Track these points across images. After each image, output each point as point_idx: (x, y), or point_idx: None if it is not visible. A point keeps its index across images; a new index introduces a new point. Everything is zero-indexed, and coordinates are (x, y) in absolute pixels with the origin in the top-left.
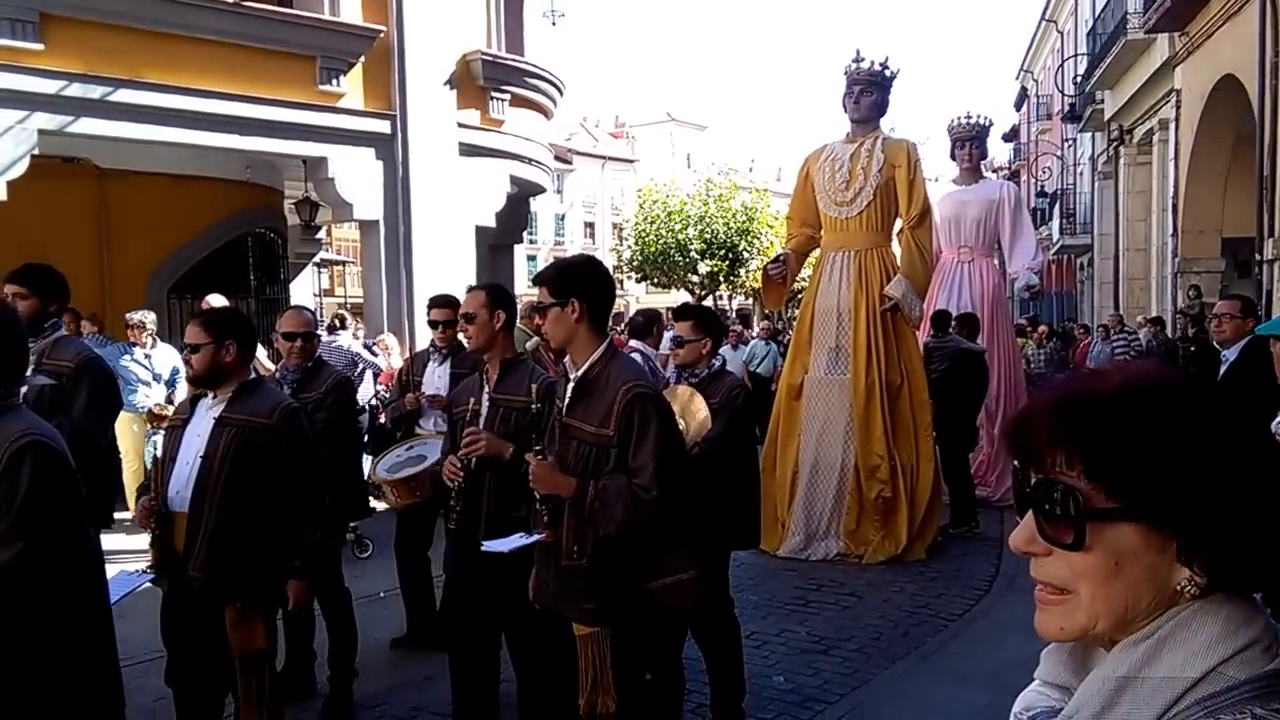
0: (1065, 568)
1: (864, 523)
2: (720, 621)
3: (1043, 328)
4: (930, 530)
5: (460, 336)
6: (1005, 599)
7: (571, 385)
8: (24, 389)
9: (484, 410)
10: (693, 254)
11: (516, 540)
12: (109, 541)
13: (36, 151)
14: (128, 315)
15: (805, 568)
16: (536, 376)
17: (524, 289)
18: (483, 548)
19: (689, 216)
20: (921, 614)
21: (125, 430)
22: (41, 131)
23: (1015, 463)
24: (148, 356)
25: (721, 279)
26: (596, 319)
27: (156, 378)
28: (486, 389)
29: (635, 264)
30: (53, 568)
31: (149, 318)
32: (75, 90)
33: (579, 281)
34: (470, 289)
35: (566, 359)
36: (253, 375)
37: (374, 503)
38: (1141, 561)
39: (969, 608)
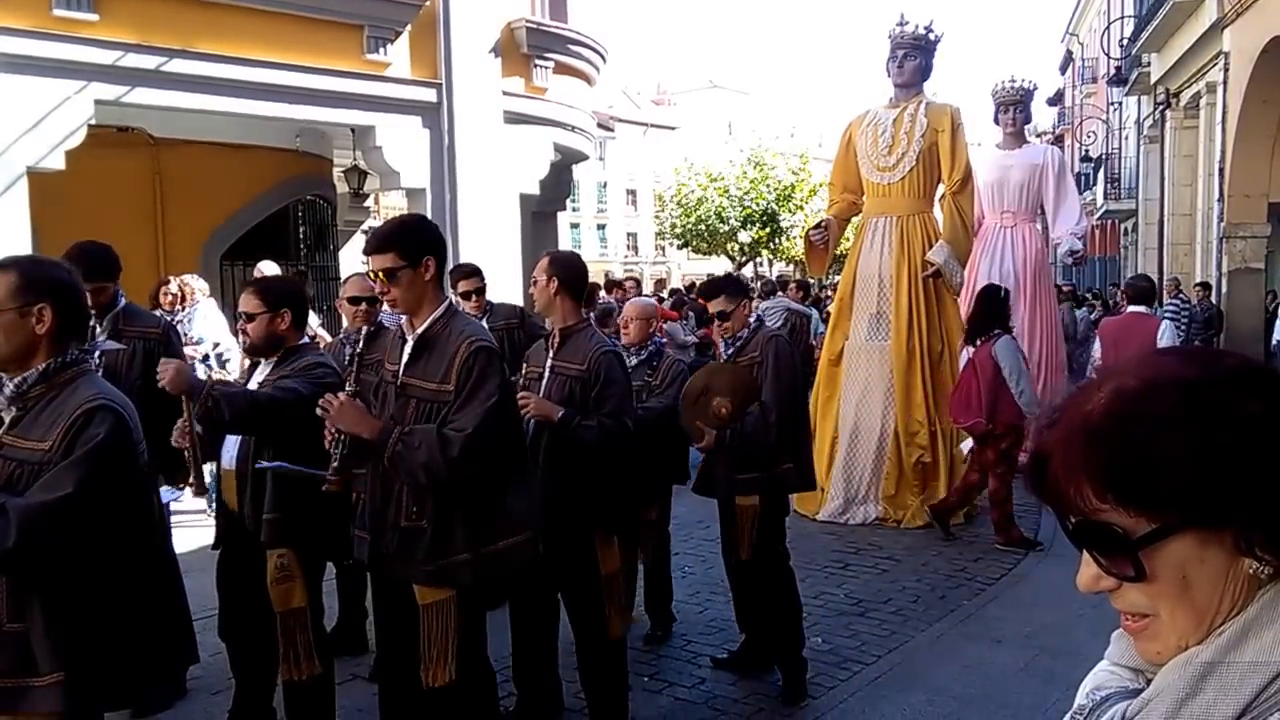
0: (1140, 595)
1: (903, 488)
2: (777, 572)
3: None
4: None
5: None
6: (1042, 564)
7: (411, 343)
8: (96, 354)
9: (545, 375)
10: (732, 223)
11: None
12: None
13: (93, 121)
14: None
15: (844, 531)
16: (595, 344)
17: None
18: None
19: (727, 189)
20: (959, 578)
21: None
22: (98, 101)
23: (1049, 507)
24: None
25: (762, 247)
26: (441, 275)
27: (198, 340)
28: (550, 355)
29: (677, 231)
30: (101, 523)
31: (189, 284)
32: (130, 60)
33: (429, 239)
34: (543, 255)
35: (403, 320)
36: (304, 342)
37: None
38: (1208, 565)
39: (1006, 572)
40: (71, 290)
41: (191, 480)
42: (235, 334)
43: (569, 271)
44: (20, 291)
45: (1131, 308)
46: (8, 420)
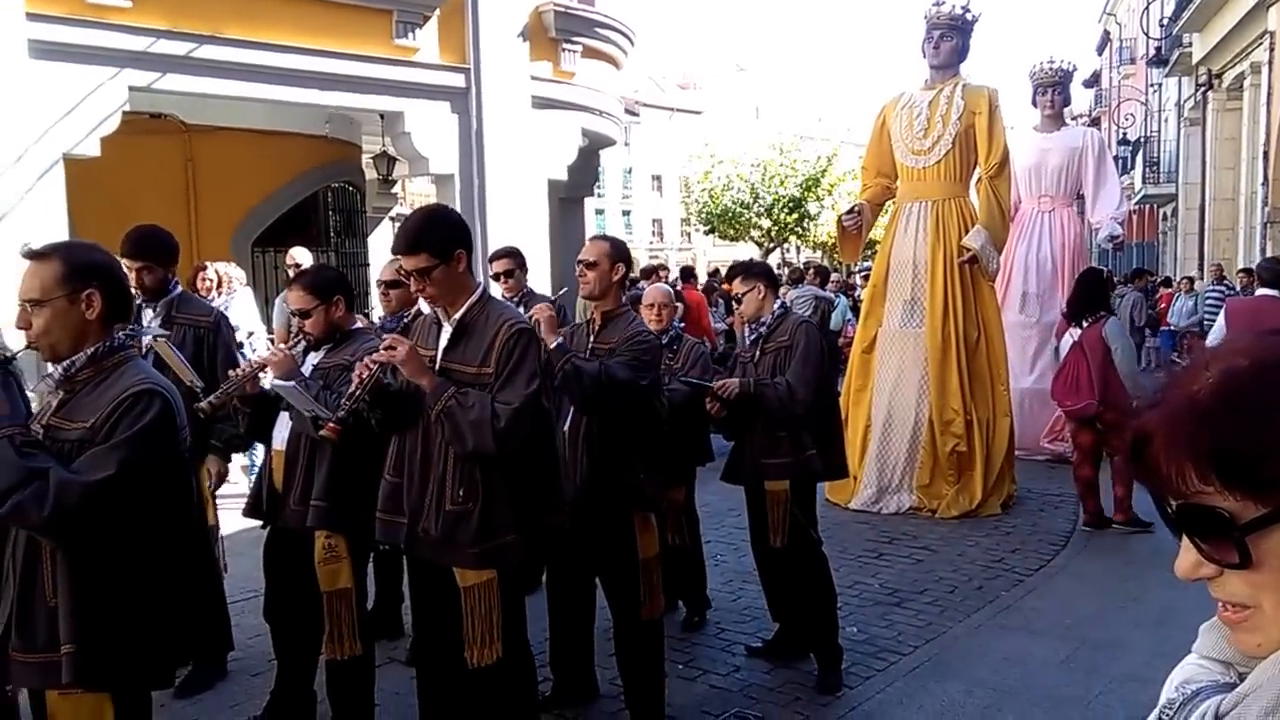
0: (1242, 584)
1: (937, 477)
2: (809, 559)
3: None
4: (1005, 485)
5: (580, 282)
6: (1082, 555)
7: (450, 328)
8: (149, 339)
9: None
10: (756, 208)
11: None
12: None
13: (127, 108)
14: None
15: (877, 521)
16: (636, 328)
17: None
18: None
19: (745, 175)
20: (996, 568)
21: None
22: (131, 88)
23: (1148, 489)
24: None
25: (789, 232)
26: (471, 263)
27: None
28: (591, 337)
29: (703, 217)
30: (139, 505)
31: (227, 272)
32: (162, 47)
33: (456, 232)
34: (593, 238)
35: (438, 309)
36: (358, 326)
37: None
38: None
39: (1045, 563)
40: (115, 273)
41: (211, 401)
42: (266, 321)
43: (629, 262)
44: (67, 278)
45: (1262, 290)
46: (55, 403)
